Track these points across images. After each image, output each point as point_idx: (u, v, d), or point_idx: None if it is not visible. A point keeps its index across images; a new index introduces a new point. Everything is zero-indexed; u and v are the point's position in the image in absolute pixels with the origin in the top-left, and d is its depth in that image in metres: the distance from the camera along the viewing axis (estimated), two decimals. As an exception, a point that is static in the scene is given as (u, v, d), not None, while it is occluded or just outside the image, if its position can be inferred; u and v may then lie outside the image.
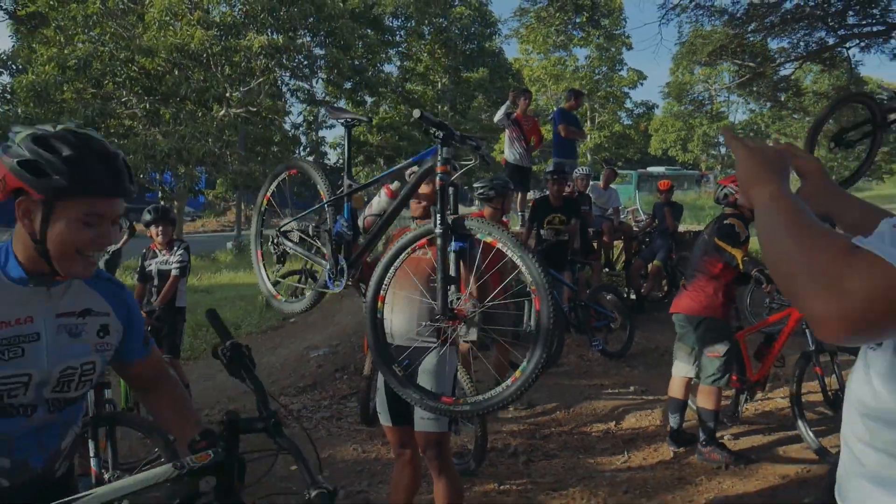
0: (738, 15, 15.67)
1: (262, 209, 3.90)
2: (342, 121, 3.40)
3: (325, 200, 3.24)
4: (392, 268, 2.52)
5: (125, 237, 8.69)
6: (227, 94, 18.84)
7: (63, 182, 1.44)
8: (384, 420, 3.25)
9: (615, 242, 9.86)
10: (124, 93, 18.53)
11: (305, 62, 19.83)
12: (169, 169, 19.05)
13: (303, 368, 6.68)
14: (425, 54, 27.43)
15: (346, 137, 3.41)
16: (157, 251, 5.47)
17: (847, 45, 16.15)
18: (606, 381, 6.36)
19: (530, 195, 9.84)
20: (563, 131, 9.26)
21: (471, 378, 4.22)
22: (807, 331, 4.53)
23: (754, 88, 18.85)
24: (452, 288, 2.25)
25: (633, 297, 9.08)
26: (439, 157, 2.57)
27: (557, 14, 14.86)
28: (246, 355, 1.80)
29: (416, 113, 3.06)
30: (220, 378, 6.81)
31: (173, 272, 5.35)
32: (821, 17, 15.66)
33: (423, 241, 2.43)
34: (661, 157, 48.16)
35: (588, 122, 34.95)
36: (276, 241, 3.61)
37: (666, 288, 9.27)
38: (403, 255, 2.51)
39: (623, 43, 34.47)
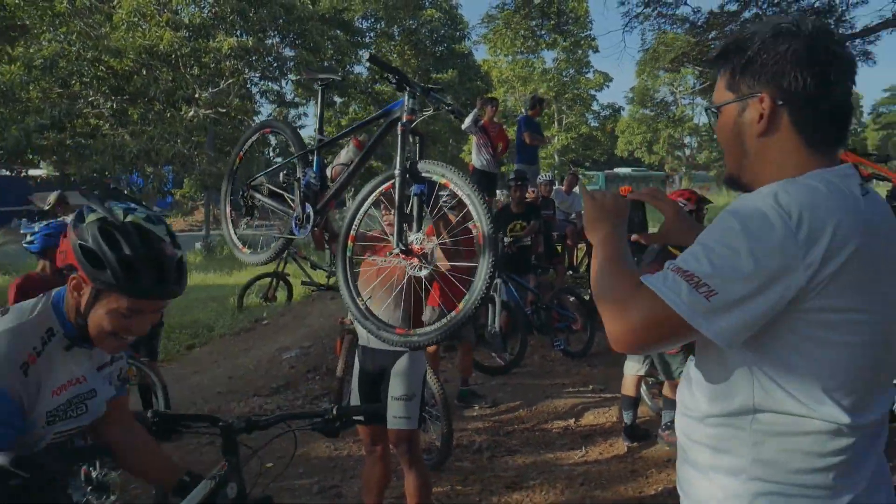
0: (699, 24, 16.15)
1: (235, 168, 4.06)
2: (316, 82, 3.61)
3: (295, 154, 3.46)
4: (361, 210, 2.73)
5: None
6: (196, 95, 18.87)
7: (113, 280, 1.59)
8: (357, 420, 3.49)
9: (579, 245, 10.21)
10: (91, 92, 18.46)
11: (275, 64, 19.91)
12: (137, 170, 19.03)
13: (275, 370, 6.88)
14: (395, 55, 27.63)
15: (320, 96, 3.61)
16: None
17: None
18: (567, 380, 6.66)
19: (501, 197, 10.09)
20: (527, 139, 9.58)
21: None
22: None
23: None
24: (406, 226, 2.45)
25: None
26: (406, 107, 2.79)
27: (524, 21, 15.22)
28: None
29: (367, 56, 3.29)
30: (194, 379, 6.99)
31: None
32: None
33: (388, 184, 2.61)
34: (628, 158, 48.98)
35: (555, 123, 35.45)
36: (245, 194, 3.78)
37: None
38: (371, 197, 2.71)
39: (589, 46, 35.01)
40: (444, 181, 2.46)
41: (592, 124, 39.41)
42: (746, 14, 16.53)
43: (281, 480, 4.56)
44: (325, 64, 21.33)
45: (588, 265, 9.98)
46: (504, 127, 10.18)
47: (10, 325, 1.63)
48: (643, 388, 5.54)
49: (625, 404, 5.07)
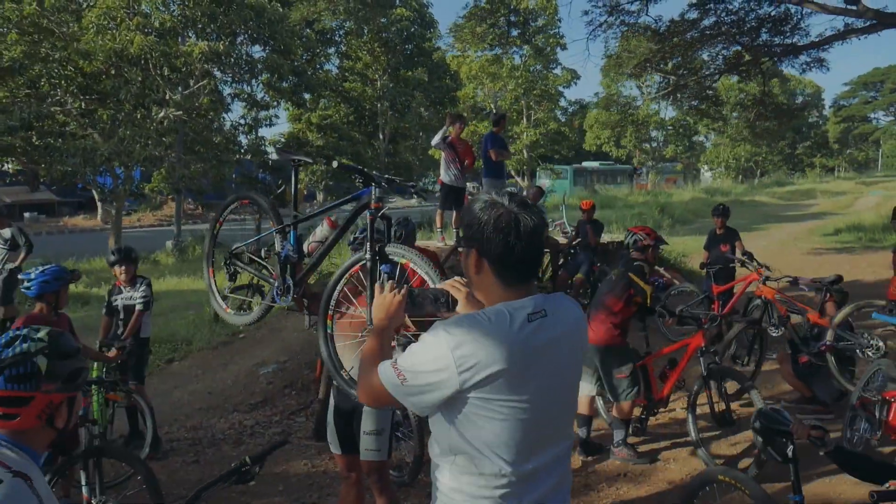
0: (661, 31, 16.63)
1: (215, 232, 4.49)
2: (290, 162, 4.03)
3: (273, 228, 3.87)
4: (335, 290, 3.13)
5: (22, 254, 9.15)
6: (167, 97, 18.93)
7: (84, 375, 1.91)
8: (334, 449, 3.88)
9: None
10: (59, 92, 18.41)
11: (246, 67, 20.01)
12: (107, 171, 19.05)
13: (253, 385, 7.22)
14: (364, 52, 27.80)
15: (293, 175, 4.02)
16: (121, 287, 5.92)
17: (761, 60, 17.27)
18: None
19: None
20: (493, 155, 9.97)
21: None
22: (700, 359, 5.33)
23: (678, 97, 19.95)
24: None
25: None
26: (373, 196, 3.25)
27: (491, 29, 15.60)
28: None
29: (335, 163, 3.84)
30: (175, 395, 7.30)
31: (137, 307, 5.82)
32: (736, 33, 16.77)
33: (357, 267, 3.05)
34: (596, 152, 49.67)
35: (524, 119, 35.85)
36: (227, 261, 4.21)
37: (589, 298, 10.10)
38: (343, 279, 3.12)
39: (557, 43, 35.42)
40: (404, 262, 2.86)
41: (561, 119, 39.85)
42: (706, 22, 17.10)
43: (259, 498, 4.95)
44: (296, 64, 21.49)
45: (550, 276, 10.48)
46: (471, 144, 10.53)
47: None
48: (600, 404, 6.00)
49: (579, 421, 5.51)
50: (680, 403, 6.26)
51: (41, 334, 1.82)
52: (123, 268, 5.83)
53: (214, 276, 4.33)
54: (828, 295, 6.35)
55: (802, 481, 3.19)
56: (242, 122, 22.98)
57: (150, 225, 33.72)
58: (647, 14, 15.71)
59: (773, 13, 16.58)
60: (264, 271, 3.85)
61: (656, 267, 12.00)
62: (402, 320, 2.10)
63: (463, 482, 1.82)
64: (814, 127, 72.82)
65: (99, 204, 29.72)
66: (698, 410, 5.37)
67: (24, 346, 1.76)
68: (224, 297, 4.25)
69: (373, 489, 3.82)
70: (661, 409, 5.88)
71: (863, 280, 12.91)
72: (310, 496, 4.92)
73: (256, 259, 3.97)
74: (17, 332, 1.80)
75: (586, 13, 15.11)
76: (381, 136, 28.41)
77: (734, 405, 5.76)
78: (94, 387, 4.84)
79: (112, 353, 5.53)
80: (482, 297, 1.91)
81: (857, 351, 6.02)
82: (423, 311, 2.35)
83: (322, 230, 4.36)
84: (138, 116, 18.55)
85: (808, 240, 20.44)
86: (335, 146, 25.59)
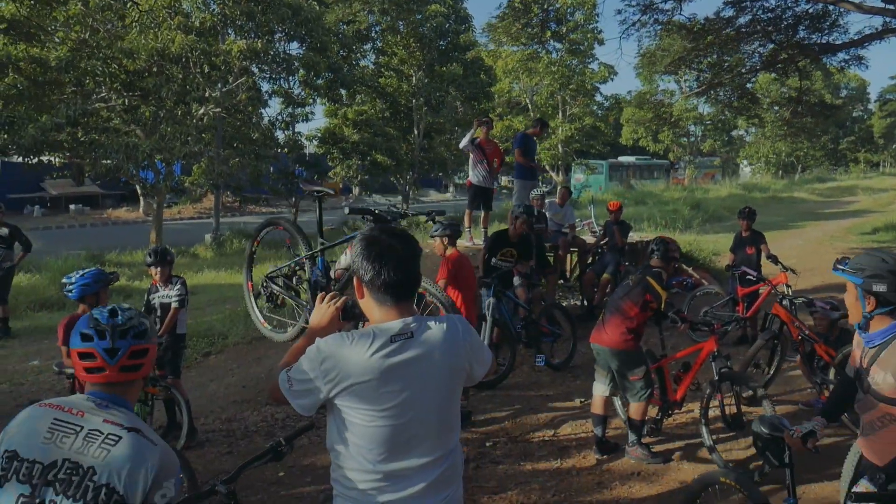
0: (696, 29, 16.54)
1: (253, 251, 4.93)
2: (313, 193, 4.41)
3: (302, 255, 4.23)
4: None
5: (21, 254, 9.71)
6: (207, 94, 19.40)
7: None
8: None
9: (570, 254, 10.79)
10: (103, 89, 18.98)
11: (283, 64, 20.40)
12: (150, 167, 19.59)
13: (284, 379, 7.51)
14: (400, 48, 28.01)
15: (317, 205, 4.36)
16: (158, 286, 6.28)
17: (797, 58, 17.09)
18: (552, 391, 7.29)
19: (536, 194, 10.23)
20: (518, 156, 10.16)
21: None
22: (713, 364, 5.47)
23: (712, 95, 19.84)
24: None
25: (585, 304, 10.09)
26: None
27: (525, 30, 15.70)
28: None
29: (346, 210, 4.27)
30: (211, 388, 7.65)
31: (174, 304, 6.17)
32: (772, 31, 16.62)
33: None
34: (633, 146, 49.31)
35: (560, 114, 35.79)
36: (264, 284, 4.63)
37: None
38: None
39: (595, 38, 35.28)
40: (421, 290, 3.15)
41: (597, 115, 39.68)
42: (742, 20, 16.97)
43: (289, 489, 5.23)
44: (332, 60, 21.80)
45: (578, 275, 10.62)
46: (499, 145, 10.70)
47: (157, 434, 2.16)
48: (618, 405, 6.18)
49: (595, 421, 5.70)
50: (695, 405, 6.40)
51: (126, 305, 2.23)
52: (158, 269, 6.18)
53: (253, 290, 4.71)
54: (833, 327, 6.27)
55: (804, 483, 3.36)
56: (279, 118, 23.42)
57: (189, 217, 34.49)
58: (680, 13, 15.66)
59: (810, 10, 16.41)
60: (295, 294, 4.24)
61: (685, 266, 12.09)
62: (335, 328, 2.37)
63: (338, 474, 2.15)
64: (858, 121, 71.20)
65: (141, 197, 30.50)
66: (711, 413, 5.51)
67: (129, 313, 2.15)
68: (262, 312, 4.66)
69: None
70: (676, 411, 6.02)
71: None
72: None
73: (289, 281, 4.35)
74: (112, 308, 2.16)
75: (619, 12, 15.15)
76: (415, 132, 28.63)
77: (746, 408, 5.88)
78: None
79: None
80: (368, 317, 2.23)
81: None
82: (358, 320, 2.77)
83: (346, 258, 4.67)
84: (179, 113, 19.08)
85: (844, 239, 20.17)
86: (370, 141, 25.88)
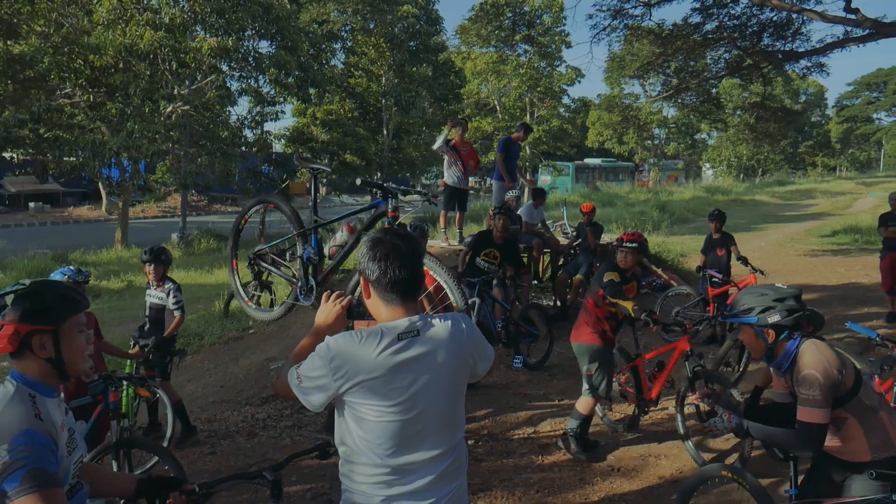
0: (664, 35, 16.85)
1: (240, 228, 4.88)
2: (308, 169, 4.41)
3: (294, 231, 4.23)
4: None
5: None
6: (175, 92, 19.18)
7: (61, 309, 2.10)
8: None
9: (543, 255, 10.94)
10: (67, 84, 18.67)
11: (253, 63, 20.25)
12: (117, 165, 19.33)
13: (264, 379, 7.51)
14: (370, 48, 28.00)
15: (312, 181, 4.37)
16: (151, 284, 6.27)
17: (761, 64, 17.50)
18: (530, 390, 7.40)
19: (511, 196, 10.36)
20: (499, 161, 10.28)
21: None
22: (686, 363, 5.62)
23: (679, 99, 20.21)
24: None
25: (558, 304, 10.24)
26: (389, 206, 3.67)
27: (496, 32, 15.87)
28: None
29: (358, 180, 4.25)
30: (189, 388, 7.60)
31: (176, 313, 6.20)
32: (738, 38, 17.00)
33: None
34: (598, 149, 49.88)
35: (527, 116, 36.07)
36: (251, 262, 4.59)
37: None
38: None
39: (563, 41, 35.61)
40: (425, 269, 3.19)
41: (564, 117, 40.06)
42: (708, 26, 17.32)
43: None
44: (302, 60, 21.69)
45: (550, 276, 10.77)
46: (474, 147, 10.80)
47: (3, 403, 2.00)
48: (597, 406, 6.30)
49: (574, 417, 5.83)
50: (670, 402, 6.56)
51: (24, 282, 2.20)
52: (153, 267, 6.16)
53: (238, 271, 4.67)
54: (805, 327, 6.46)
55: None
56: (248, 116, 23.25)
57: (154, 216, 34.01)
58: (650, 18, 15.93)
59: (774, 18, 16.82)
60: (285, 271, 4.19)
61: (654, 267, 12.32)
62: (341, 326, 2.43)
63: (347, 468, 2.21)
64: (816, 126, 72.95)
65: (104, 195, 30.00)
66: (686, 410, 5.66)
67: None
68: (247, 291, 4.62)
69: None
70: (652, 408, 6.17)
71: (858, 283, 13.19)
72: (322, 486, 5.21)
73: (279, 259, 4.32)
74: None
75: (590, 17, 15.34)
76: (385, 132, 28.63)
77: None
78: (125, 382, 5.15)
79: (134, 350, 5.86)
80: (374, 317, 2.29)
81: None
82: (363, 318, 2.81)
83: (342, 235, 4.71)
84: (146, 111, 18.83)
85: (804, 241, 20.71)
86: (340, 141, 25.83)
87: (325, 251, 4.49)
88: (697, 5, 16.67)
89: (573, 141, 39.57)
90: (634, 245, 5.78)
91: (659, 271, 12.19)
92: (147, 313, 6.29)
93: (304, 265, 4.06)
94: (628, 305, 5.40)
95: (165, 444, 5.40)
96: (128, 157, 18.57)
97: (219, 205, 33.88)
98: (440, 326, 2.24)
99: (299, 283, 4.05)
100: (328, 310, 2.45)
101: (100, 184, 26.03)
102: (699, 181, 56.52)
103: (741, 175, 61.86)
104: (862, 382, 2.95)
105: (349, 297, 2.57)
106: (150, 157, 18.71)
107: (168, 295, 6.20)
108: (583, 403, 5.66)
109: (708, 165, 64.97)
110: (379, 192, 3.66)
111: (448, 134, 9.98)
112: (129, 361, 5.62)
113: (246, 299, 4.69)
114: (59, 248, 18.03)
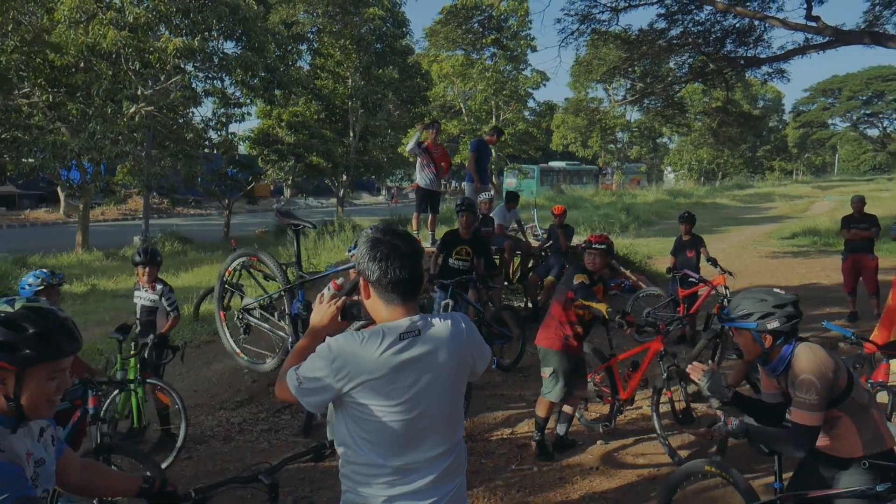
0: (630, 39, 17.11)
1: (225, 280, 4.83)
2: (291, 226, 4.37)
3: (280, 288, 4.22)
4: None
5: None
6: (139, 92, 18.86)
7: (34, 354, 1.84)
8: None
9: (514, 258, 11.00)
10: (26, 84, 18.23)
11: (219, 63, 20.00)
12: (77, 166, 18.91)
13: (238, 383, 7.43)
14: (336, 50, 27.86)
15: (295, 238, 4.35)
16: (142, 286, 6.18)
17: (725, 70, 17.87)
18: (506, 391, 7.44)
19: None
20: (471, 161, 10.32)
21: None
22: (660, 363, 5.71)
23: (645, 104, 20.53)
24: None
25: (529, 305, 10.32)
26: None
27: (465, 35, 15.97)
28: None
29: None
30: (176, 385, 7.47)
31: (173, 313, 6.24)
32: (702, 43, 17.34)
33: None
34: (562, 152, 50.35)
35: (493, 119, 36.25)
36: (240, 316, 4.58)
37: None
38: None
39: (528, 45, 35.88)
40: None
41: (529, 119, 40.35)
42: (674, 31, 17.64)
43: (255, 491, 5.19)
44: (269, 62, 21.50)
45: (520, 277, 10.85)
46: (446, 149, 10.83)
47: None
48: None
49: (561, 419, 5.89)
50: (646, 401, 6.66)
51: (19, 301, 1.94)
52: (146, 269, 6.09)
53: (226, 320, 4.66)
54: None
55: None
56: (212, 117, 22.93)
57: (114, 219, 33.36)
58: (617, 24, 16.17)
59: (737, 25, 17.20)
60: (274, 326, 4.23)
61: (622, 269, 12.49)
62: (335, 327, 2.44)
63: (348, 469, 2.20)
64: (774, 131, 74.58)
65: (62, 197, 29.35)
66: (661, 409, 5.75)
67: None
68: (238, 344, 4.62)
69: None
70: (628, 408, 6.25)
71: (818, 283, 13.51)
72: (303, 489, 5.18)
73: (266, 313, 4.32)
74: None
75: (559, 21, 15.53)
76: (351, 134, 28.51)
77: (694, 404, 6.15)
78: (132, 385, 5.11)
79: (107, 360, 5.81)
80: (374, 317, 2.27)
81: None
82: (358, 319, 2.84)
83: (329, 292, 4.67)
84: (109, 111, 18.46)
85: (765, 243, 21.16)
86: (306, 143, 25.64)
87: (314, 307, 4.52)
88: (663, 11, 16.98)
89: (538, 144, 39.85)
90: (603, 247, 5.85)
91: (627, 273, 12.43)
92: (139, 315, 6.23)
93: (292, 321, 4.08)
94: (602, 307, 5.44)
95: (179, 444, 5.36)
96: (89, 159, 18.16)
97: (181, 207, 33.39)
98: (441, 326, 2.25)
99: (290, 340, 4.08)
100: (322, 311, 2.45)
101: (58, 186, 25.45)
102: (661, 185, 57.42)
103: (702, 178, 62.96)
104: (854, 382, 3.03)
105: (343, 298, 2.57)
106: (113, 159, 18.33)
107: (161, 297, 6.18)
108: (538, 404, 5.77)
109: (669, 169, 66.01)
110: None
111: (420, 136, 9.99)
112: (132, 363, 5.57)
113: (237, 350, 4.69)
114: (18, 252, 17.58)
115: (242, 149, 27.64)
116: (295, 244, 4.28)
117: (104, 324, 10.16)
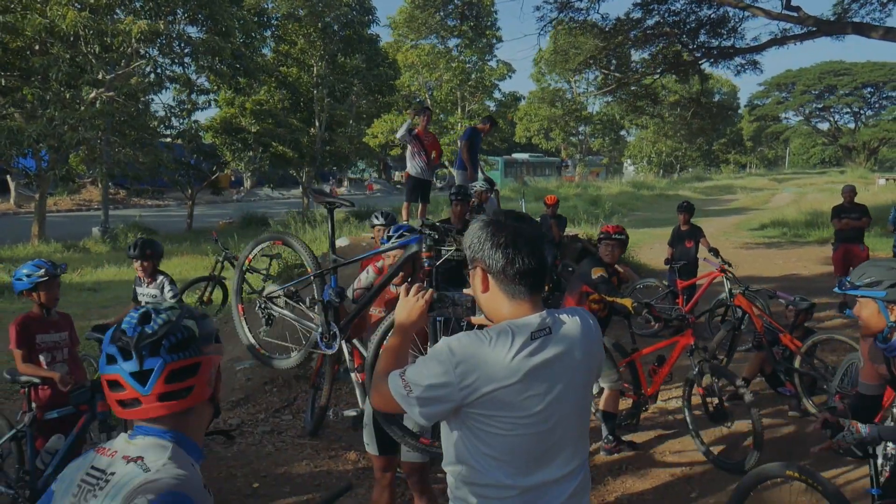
0: (607, 29, 16.98)
1: (244, 269, 4.41)
2: (325, 204, 4.01)
3: (311, 273, 3.84)
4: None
5: None
6: (100, 77, 18.06)
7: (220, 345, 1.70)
8: (371, 450, 3.80)
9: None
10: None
11: (183, 49, 19.28)
12: (34, 155, 18.05)
13: (232, 381, 7.01)
14: (300, 37, 27.20)
15: (329, 218, 3.98)
16: (142, 280, 5.73)
17: (700, 60, 17.88)
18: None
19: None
20: (464, 149, 10.00)
21: None
22: (691, 357, 5.48)
23: (618, 95, 20.46)
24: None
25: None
26: (424, 245, 3.32)
27: (441, 22, 15.68)
28: None
29: (417, 223, 3.89)
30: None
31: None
32: (677, 34, 17.32)
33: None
34: (525, 144, 50.39)
35: (458, 109, 35.98)
36: (262, 305, 4.17)
37: (551, 292, 10.24)
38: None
39: (493, 36, 35.65)
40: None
41: (494, 110, 40.18)
42: (649, 21, 17.57)
43: (267, 500, 4.83)
44: (234, 49, 20.84)
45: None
46: (437, 136, 10.50)
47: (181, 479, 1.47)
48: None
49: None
50: (669, 396, 6.47)
51: (167, 303, 1.74)
52: (145, 263, 5.63)
53: (245, 314, 4.26)
54: (800, 316, 6.43)
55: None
56: (175, 104, 22.11)
57: (68, 209, 32.16)
58: (597, 12, 16.01)
59: (712, 16, 17.21)
60: (301, 315, 3.88)
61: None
62: (423, 322, 2.21)
63: (466, 491, 1.89)
64: (729, 124, 75.89)
65: (12, 187, 28.16)
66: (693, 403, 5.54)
67: (165, 315, 1.58)
68: (258, 339, 4.24)
69: (413, 491, 3.79)
70: (651, 404, 6.04)
71: (799, 274, 13.55)
72: (316, 496, 4.84)
73: (292, 301, 3.94)
74: (144, 310, 1.60)
75: (538, 8, 15.30)
76: (317, 123, 27.90)
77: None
78: None
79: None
80: (491, 315, 1.95)
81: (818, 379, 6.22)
82: (444, 313, 2.57)
83: (367, 277, 4.30)
84: (67, 97, 17.64)
85: (736, 234, 21.31)
86: (271, 132, 24.98)
87: (350, 294, 4.15)
88: (639, 1, 16.89)
89: (503, 135, 39.72)
90: (622, 237, 5.66)
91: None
92: None
93: (324, 309, 3.69)
94: (627, 302, 5.22)
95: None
96: (47, 147, 17.33)
97: (138, 198, 32.34)
98: (571, 322, 1.94)
99: (320, 330, 3.69)
100: (410, 305, 2.18)
101: (8, 175, 24.38)
102: (620, 177, 57.89)
103: (661, 171, 63.67)
104: None
105: (430, 290, 2.26)
106: (73, 146, 17.51)
107: (163, 290, 5.70)
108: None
109: (629, 161, 66.62)
110: (433, 234, 3.34)
111: (411, 122, 9.65)
112: None
113: (257, 345, 4.26)
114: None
115: (204, 138, 26.82)
116: (329, 225, 3.90)
117: (76, 318, 9.60)
